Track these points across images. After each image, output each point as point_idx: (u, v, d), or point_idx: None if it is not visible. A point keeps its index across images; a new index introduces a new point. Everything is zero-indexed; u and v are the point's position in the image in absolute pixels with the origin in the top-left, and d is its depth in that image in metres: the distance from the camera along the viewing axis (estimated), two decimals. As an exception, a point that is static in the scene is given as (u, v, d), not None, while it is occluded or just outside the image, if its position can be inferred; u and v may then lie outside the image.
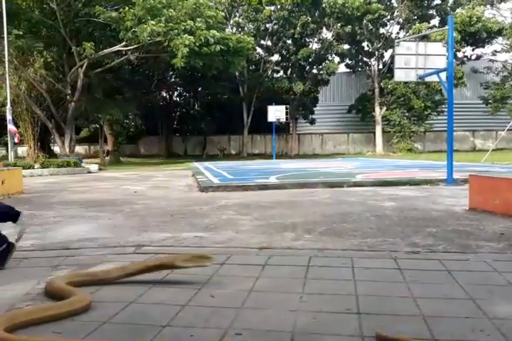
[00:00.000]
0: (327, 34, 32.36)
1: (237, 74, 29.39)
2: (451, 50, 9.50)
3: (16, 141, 16.87)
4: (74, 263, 3.34)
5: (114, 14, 18.61)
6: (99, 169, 18.28)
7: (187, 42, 18.10)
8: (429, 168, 14.29)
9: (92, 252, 3.76)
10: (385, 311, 2.26)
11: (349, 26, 29.71)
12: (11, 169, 9.91)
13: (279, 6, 29.90)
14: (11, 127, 16.38)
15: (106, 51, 20.76)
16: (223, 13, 22.68)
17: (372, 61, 33.39)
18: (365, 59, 33.76)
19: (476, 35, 30.04)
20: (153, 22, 17.99)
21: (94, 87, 24.41)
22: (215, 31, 18.97)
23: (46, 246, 4.10)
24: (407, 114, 31.88)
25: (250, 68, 31.66)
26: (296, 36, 30.70)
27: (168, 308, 2.34)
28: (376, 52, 32.40)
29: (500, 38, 32.24)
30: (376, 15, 29.25)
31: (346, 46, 32.91)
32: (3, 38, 17.15)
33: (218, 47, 19.08)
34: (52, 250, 3.91)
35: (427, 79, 10.57)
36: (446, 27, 9.88)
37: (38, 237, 4.50)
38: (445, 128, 10.46)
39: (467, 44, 31.63)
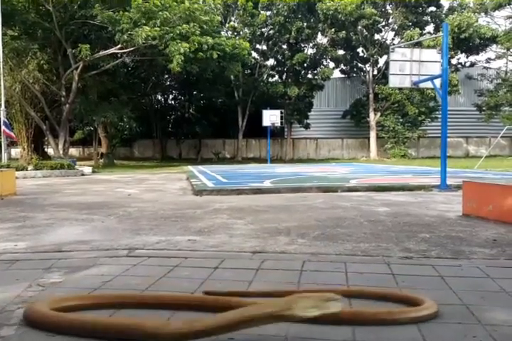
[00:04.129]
0: (322, 39, 32.54)
1: (232, 78, 29.46)
2: (446, 57, 9.54)
3: (12, 136, 16.88)
4: (66, 266, 3.32)
5: (111, 14, 18.59)
6: (93, 171, 18.22)
7: (182, 51, 18.15)
8: (423, 173, 14.34)
9: (85, 255, 3.74)
10: (378, 316, 2.26)
11: (343, 32, 29.86)
12: (4, 170, 9.85)
13: (275, 11, 30.03)
14: (4, 129, 16.30)
15: (101, 53, 20.72)
16: (219, 18, 22.75)
17: (367, 67, 33.55)
18: (359, 65, 33.93)
19: (468, 42, 30.24)
20: (147, 28, 18.02)
21: (89, 90, 24.36)
22: (209, 38, 19.03)
23: (38, 248, 4.07)
24: (401, 120, 32.01)
25: (245, 72, 31.73)
26: (291, 41, 30.85)
27: (161, 313, 2.32)
28: (371, 58, 32.53)
29: (494, 46, 32.52)
30: (371, 20, 29.41)
31: (341, 52, 33.07)
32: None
33: (215, 54, 19.16)
34: (45, 252, 3.89)
35: (422, 85, 10.63)
36: (440, 33, 9.94)
37: (30, 239, 4.47)
38: (439, 135, 10.52)
39: (461, 51, 31.85)
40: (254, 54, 31.65)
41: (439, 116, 12.91)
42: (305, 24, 30.41)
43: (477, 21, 30.29)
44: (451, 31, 27.88)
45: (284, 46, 32.09)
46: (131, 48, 19.76)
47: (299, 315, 1.86)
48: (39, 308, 2.24)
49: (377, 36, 32.38)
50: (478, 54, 33.29)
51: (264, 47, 32.30)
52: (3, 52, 17.29)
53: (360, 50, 32.97)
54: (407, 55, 10.20)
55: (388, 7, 31.87)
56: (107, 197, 8.68)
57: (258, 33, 30.85)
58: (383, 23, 32.09)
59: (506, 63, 34.61)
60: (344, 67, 34.39)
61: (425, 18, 32.01)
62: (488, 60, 34.87)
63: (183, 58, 18.37)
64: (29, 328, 2.13)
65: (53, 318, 2.14)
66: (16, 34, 20.42)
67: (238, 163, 29.15)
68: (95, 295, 2.61)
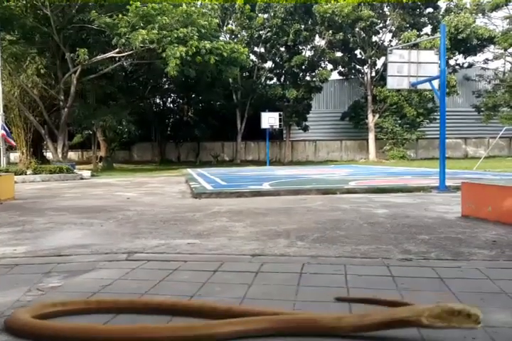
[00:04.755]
0: (320, 41, 32.61)
1: (230, 81, 29.51)
2: (444, 58, 9.56)
3: (12, 143, 16.86)
4: (65, 270, 3.31)
5: (108, 20, 18.63)
6: (92, 175, 18.20)
7: (178, 55, 18.19)
8: (422, 175, 14.34)
9: (84, 259, 3.73)
10: (378, 318, 2.25)
11: (340, 33, 29.93)
12: (3, 175, 9.84)
13: (272, 14, 30.10)
14: (3, 134, 16.31)
15: (99, 57, 20.76)
16: (217, 21, 22.79)
17: (365, 68, 33.60)
18: (357, 66, 33.97)
19: (466, 43, 30.30)
20: (143, 31, 18.04)
21: (88, 93, 24.40)
22: (207, 42, 19.07)
23: (38, 252, 4.07)
24: (399, 122, 32.05)
25: (244, 75, 31.77)
26: (289, 43, 30.91)
27: (158, 318, 2.32)
28: (369, 60, 32.58)
29: (491, 46, 32.61)
30: (368, 22, 29.47)
31: (339, 54, 33.13)
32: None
33: (213, 59, 19.22)
34: (44, 257, 3.88)
35: (420, 86, 10.62)
36: (438, 35, 9.95)
37: (29, 243, 4.47)
38: (437, 136, 10.52)
39: (459, 52, 31.92)
40: (252, 56, 31.71)
41: (438, 117, 12.93)
42: (302, 26, 30.48)
43: (474, 22, 30.37)
44: (449, 32, 27.92)
45: (282, 48, 32.14)
46: (129, 52, 19.79)
47: (425, 323, 1.94)
48: (19, 316, 2.17)
49: (374, 38, 32.45)
50: (475, 55, 33.36)
51: (262, 50, 32.35)
52: (1, 56, 17.32)
53: (357, 51, 33.02)
54: (404, 57, 10.21)
55: (385, 9, 31.93)
56: (106, 200, 8.67)
57: (256, 35, 30.93)
58: (381, 25, 32.14)
59: (504, 64, 34.74)
60: (342, 69, 34.44)
61: (422, 19, 32.06)
62: (486, 61, 34.97)
63: (178, 62, 18.41)
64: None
65: (35, 326, 2.08)
66: (15, 39, 20.46)
67: (237, 165, 29.15)
68: (80, 300, 2.53)
